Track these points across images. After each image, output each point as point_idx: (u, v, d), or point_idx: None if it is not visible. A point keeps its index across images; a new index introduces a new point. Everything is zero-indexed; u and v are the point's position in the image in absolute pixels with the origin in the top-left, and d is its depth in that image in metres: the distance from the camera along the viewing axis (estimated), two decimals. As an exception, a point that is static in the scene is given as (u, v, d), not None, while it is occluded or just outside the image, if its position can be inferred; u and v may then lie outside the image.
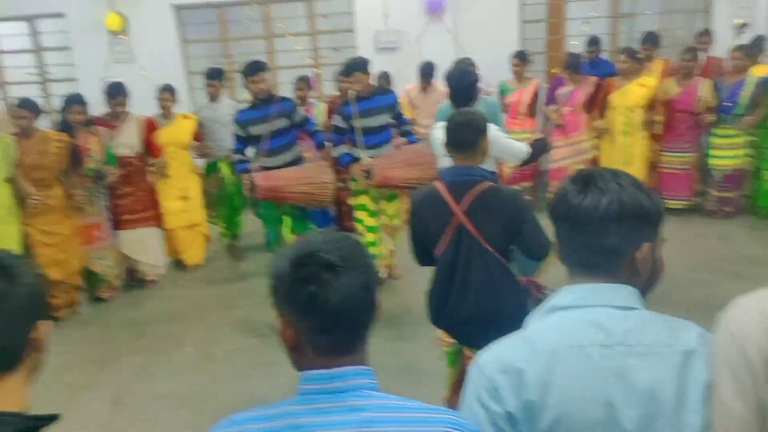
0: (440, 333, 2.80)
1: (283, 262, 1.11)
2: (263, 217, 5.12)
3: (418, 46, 6.99)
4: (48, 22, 7.67)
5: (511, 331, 2.51)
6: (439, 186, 2.56)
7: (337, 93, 6.14)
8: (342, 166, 4.76)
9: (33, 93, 7.18)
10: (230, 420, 1.14)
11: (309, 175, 4.60)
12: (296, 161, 4.80)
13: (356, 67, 4.58)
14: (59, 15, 7.33)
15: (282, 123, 4.63)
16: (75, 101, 4.81)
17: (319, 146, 4.91)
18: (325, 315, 1.08)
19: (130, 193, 5.16)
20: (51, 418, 1.07)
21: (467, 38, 6.91)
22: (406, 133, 4.92)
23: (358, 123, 4.59)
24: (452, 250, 2.53)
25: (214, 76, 5.81)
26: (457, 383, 2.80)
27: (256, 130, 4.61)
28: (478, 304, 2.54)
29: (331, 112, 6.07)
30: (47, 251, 4.55)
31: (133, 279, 5.36)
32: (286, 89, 6.50)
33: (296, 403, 1.12)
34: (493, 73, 6.37)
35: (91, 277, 5.04)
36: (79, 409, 3.66)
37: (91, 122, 4.92)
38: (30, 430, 1.05)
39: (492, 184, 2.54)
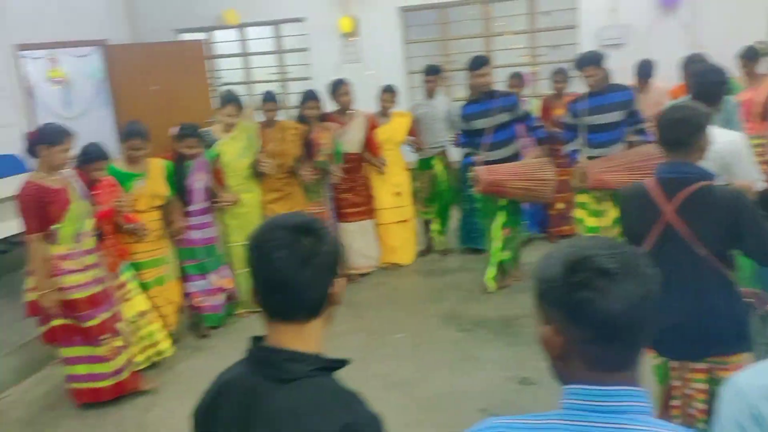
0: None
1: (554, 265, 1.05)
2: (480, 210, 5.18)
3: (646, 42, 6.56)
4: (290, 26, 8.49)
5: (721, 346, 2.35)
6: (649, 182, 2.41)
7: (552, 92, 6.03)
8: (571, 163, 4.74)
9: (274, 90, 8.01)
10: (491, 424, 1.12)
11: (530, 170, 4.65)
12: (516, 156, 4.88)
13: (589, 60, 4.47)
14: (300, 19, 8.08)
15: (504, 117, 4.73)
16: (310, 97, 5.21)
17: (539, 142, 4.93)
18: (602, 324, 1.00)
19: (352, 187, 5.49)
20: (343, 362, 1.26)
21: (704, 33, 6.33)
22: (640, 132, 4.70)
23: (587, 120, 4.52)
24: (656, 251, 2.34)
25: (433, 72, 5.91)
26: (665, 402, 2.61)
27: (479, 123, 4.75)
28: (683, 313, 2.34)
29: (545, 109, 5.98)
30: None
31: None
32: (500, 87, 6.51)
33: (561, 418, 1.05)
34: (733, 71, 5.75)
35: None
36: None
37: (325, 118, 5.31)
38: (326, 369, 1.24)
39: (708, 183, 2.32)
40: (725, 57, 5.50)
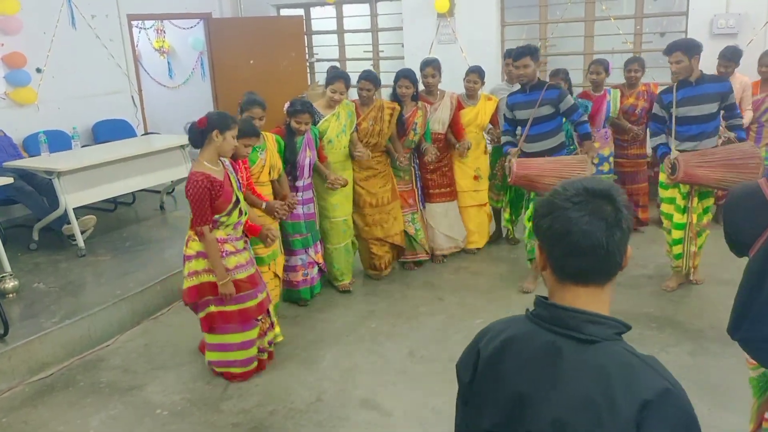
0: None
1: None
2: (510, 200, 5.46)
3: (763, 33, 6.15)
4: (385, 5, 8.51)
5: None
6: (763, 184, 2.25)
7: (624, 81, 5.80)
8: (657, 157, 4.60)
9: (364, 69, 8.07)
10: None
11: (564, 167, 4.48)
12: (557, 149, 4.71)
13: (677, 47, 4.33)
14: (397, -2, 8.09)
15: (547, 110, 4.59)
16: (404, 75, 5.15)
17: (584, 137, 4.73)
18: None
19: (438, 167, 5.46)
20: (629, 327, 1.31)
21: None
22: (734, 128, 4.54)
23: (676, 111, 4.39)
24: (763, 257, 2.21)
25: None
26: (759, 417, 2.47)
27: (521, 114, 4.66)
28: None
29: (622, 98, 5.80)
30: (372, 211, 5.11)
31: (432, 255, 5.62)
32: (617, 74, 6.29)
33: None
34: None
35: (408, 240, 5.40)
36: (383, 353, 4.11)
37: (417, 97, 5.26)
38: (620, 333, 1.30)
39: None
40: None
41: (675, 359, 3.82)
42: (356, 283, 5.24)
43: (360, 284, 5.26)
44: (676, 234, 4.62)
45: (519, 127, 4.76)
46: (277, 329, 4.17)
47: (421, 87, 5.37)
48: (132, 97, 7.73)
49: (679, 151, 4.39)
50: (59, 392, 3.88)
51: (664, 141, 4.52)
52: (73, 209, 5.50)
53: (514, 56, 4.60)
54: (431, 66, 5.31)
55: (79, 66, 7.06)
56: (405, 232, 5.33)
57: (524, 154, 4.66)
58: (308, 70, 8.92)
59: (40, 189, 5.67)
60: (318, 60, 9.25)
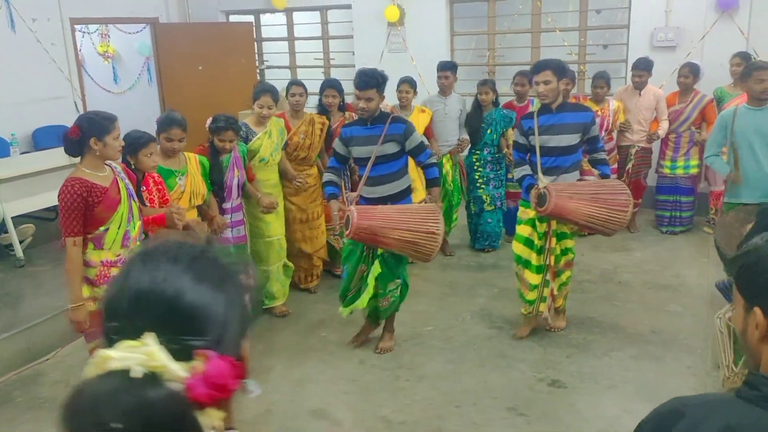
0: None
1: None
2: (343, 252, 4.32)
3: (700, 46, 6.41)
4: (336, 13, 8.51)
5: None
6: None
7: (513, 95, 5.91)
8: (523, 189, 4.11)
9: (317, 77, 8.05)
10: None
11: (414, 219, 3.77)
12: (403, 196, 4.03)
13: (544, 66, 3.85)
14: (347, 6, 8.09)
15: (391, 148, 3.90)
16: (330, 85, 5.00)
17: (432, 183, 4.11)
18: None
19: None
20: None
21: (763, 39, 6.16)
22: (597, 163, 4.16)
23: (536, 140, 3.94)
24: None
25: (448, 67, 5.66)
26: None
27: (360, 151, 3.95)
28: None
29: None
30: (302, 227, 4.97)
31: None
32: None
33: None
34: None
35: (331, 253, 5.30)
36: (334, 363, 4.09)
37: (344, 108, 5.14)
38: None
39: None
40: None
41: (618, 363, 3.93)
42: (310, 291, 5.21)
43: (310, 293, 5.22)
44: (533, 278, 4.09)
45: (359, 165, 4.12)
46: None
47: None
48: (75, 102, 7.49)
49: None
50: (-5, 410, 3.72)
51: (530, 171, 4.01)
52: (12, 218, 5.31)
53: (357, 85, 3.83)
54: (407, 83, 5.31)
55: (18, 70, 6.81)
56: (333, 246, 5.27)
57: (364, 200, 3.98)
58: (259, 77, 8.84)
59: (-25, 197, 5.43)
60: (268, 67, 9.18)
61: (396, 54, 7.79)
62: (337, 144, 4.06)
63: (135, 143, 3.44)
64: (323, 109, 5.06)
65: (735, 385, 2.74)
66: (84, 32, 9.30)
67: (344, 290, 4.15)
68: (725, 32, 6.34)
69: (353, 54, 8.24)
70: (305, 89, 4.91)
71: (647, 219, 6.45)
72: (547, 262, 4.06)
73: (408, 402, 3.65)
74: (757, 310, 1.07)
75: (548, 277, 4.10)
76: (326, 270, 5.41)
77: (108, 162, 3.15)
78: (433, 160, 4.09)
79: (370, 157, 3.87)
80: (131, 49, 9.25)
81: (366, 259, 4.02)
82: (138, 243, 3.25)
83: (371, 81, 3.78)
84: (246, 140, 4.50)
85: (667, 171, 6.09)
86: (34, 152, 6.69)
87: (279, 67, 9.03)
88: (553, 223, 3.98)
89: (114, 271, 3.16)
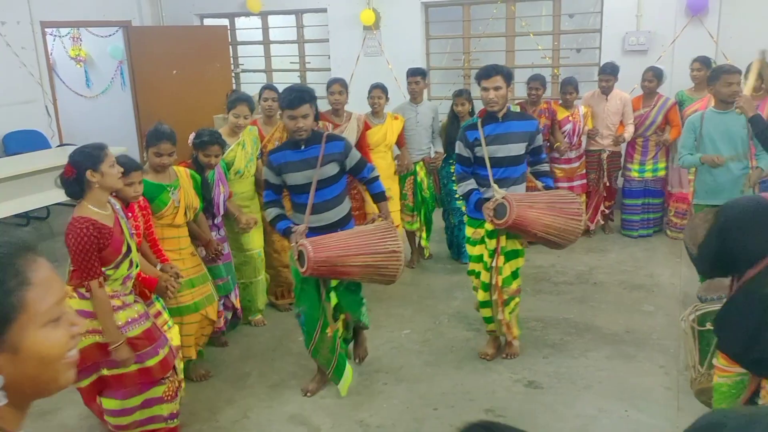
0: (721, 361, 2.46)
1: None
2: (296, 292, 3.73)
3: (671, 50, 6.52)
4: (312, 16, 8.50)
5: None
6: None
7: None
8: (469, 206, 3.84)
9: (293, 80, 8.04)
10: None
11: (372, 241, 3.38)
12: (347, 220, 3.66)
13: (498, 70, 3.63)
14: (323, 10, 8.08)
15: (331, 169, 3.49)
16: (298, 89, 4.89)
17: (379, 198, 3.71)
18: None
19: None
20: None
21: (732, 43, 6.28)
22: (540, 175, 3.91)
23: (484, 151, 3.69)
24: None
25: (418, 73, 5.58)
26: None
27: (295, 177, 3.47)
28: None
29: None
30: (281, 238, 4.68)
31: None
32: (521, 88, 6.51)
33: None
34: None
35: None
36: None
37: (317, 117, 5.00)
38: None
39: None
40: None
41: (594, 363, 3.97)
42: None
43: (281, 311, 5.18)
44: (482, 296, 3.92)
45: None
46: (182, 392, 3.47)
47: (329, 106, 5.15)
48: (46, 107, 7.39)
49: (486, 199, 3.68)
50: (-37, 421, 3.63)
51: (476, 186, 3.77)
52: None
53: (289, 104, 3.38)
54: (338, 83, 5.06)
55: (-13, 74, 6.70)
56: None
57: (310, 231, 3.45)
58: (234, 81, 8.79)
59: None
60: (244, 71, 9.14)
61: (372, 57, 7.81)
62: (267, 173, 3.53)
63: (89, 157, 3.20)
64: None
65: (703, 386, 2.77)
66: (55, 36, 9.17)
67: (309, 341, 3.65)
68: (695, 36, 6.45)
69: (329, 58, 8.23)
70: (279, 94, 4.75)
71: (617, 223, 6.53)
72: (494, 282, 3.82)
73: (386, 405, 3.65)
74: None
75: (495, 296, 3.84)
76: None
77: (109, 199, 3.04)
78: (376, 173, 3.72)
79: (309, 183, 3.42)
80: (104, 52, 9.14)
81: (325, 298, 3.61)
82: (131, 281, 3.14)
83: (304, 95, 3.37)
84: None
85: (635, 174, 6.14)
86: (5, 157, 6.59)
87: (254, 71, 8.99)
88: (503, 240, 3.75)
89: (113, 302, 3.05)
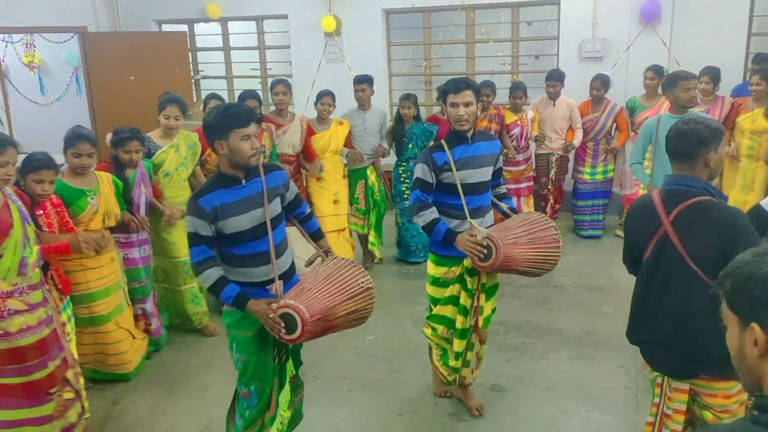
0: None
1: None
2: (245, 367, 2.87)
3: (626, 56, 6.68)
4: (272, 23, 8.45)
5: (707, 369, 2.32)
6: (655, 194, 2.46)
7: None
8: (436, 240, 3.21)
9: (254, 87, 7.96)
10: None
11: (348, 281, 2.73)
12: (293, 269, 2.98)
13: (468, 84, 3.17)
14: (283, 16, 8.05)
15: (277, 205, 2.83)
16: (250, 96, 4.81)
17: (317, 234, 3.14)
18: None
19: None
20: None
21: (684, 50, 6.48)
22: (503, 197, 3.50)
23: (458, 177, 3.17)
24: (653, 261, 2.41)
25: (364, 80, 5.62)
26: (659, 418, 2.55)
27: (240, 222, 2.67)
28: (669, 326, 2.36)
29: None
30: None
31: None
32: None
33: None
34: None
35: None
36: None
37: (260, 119, 4.91)
38: None
39: (710, 198, 2.31)
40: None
41: (555, 365, 4.02)
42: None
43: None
44: (458, 345, 3.36)
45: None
46: (86, 402, 3.28)
47: (274, 107, 5.19)
48: (-3, 114, 7.18)
49: (459, 231, 3.16)
50: None
51: (438, 215, 3.18)
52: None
53: (242, 121, 2.58)
54: (282, 84, 5.09)
55: (-66, 81, 6.47)
56: None
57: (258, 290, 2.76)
58: (194, 87, 8.68)
59: None
60: (204, 77, 9.03)
61: (333, 64, 7.80)
62: (195, 224, 2.61)
63: (25, 166, 3.16)
64: None
65: None
66: (7, 42, 8.92)
67: (251, 425, 2.96)
68: (649, 43, 6.63)
69: (290, 64, 8.20)
70: (223, 101, 4.71)
71: (566, 225, 6.67)
72: (473, 322, 3.35)
73: (351, 411, 3.63)
74: (755, 326, 1.07)
75: (474, 339, 3.41)
76: None
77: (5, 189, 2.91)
78: (310, 209, 3.20)
79: (258, 226, 2.70)
80: (59, 58, 8.92)
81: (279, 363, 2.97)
82: (37, 270, 2.98)
83: (251, 115, 2.67)
84: (149, 155, 4.25)
85: (587, 177, 6.40)
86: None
87: (214, 77, 8.89)
88: (484, 276, 3.30)
89: (11, 303, 2.84)
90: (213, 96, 4.75)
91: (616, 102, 6.24)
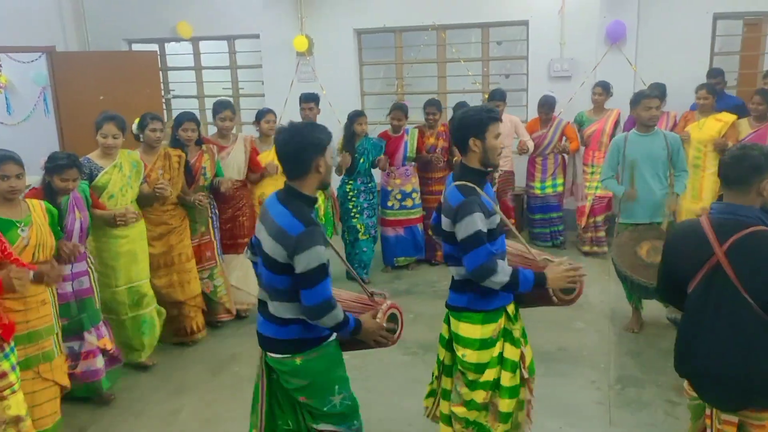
0: (686, 383, 2.53)
1: None
2: (354, 403, 2.91)
3: (593, 76, 6.81)
4: (244, 42, 8.45)
5: (757, 401, 2.27)
6: (704, 221, 2.36)
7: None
8: (526, 288, 2.68)
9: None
10: None
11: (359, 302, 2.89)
12: None
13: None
14: (255, 36, 8.06)
15: None
16: (188, 118, 4.69)
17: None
18: None
19: (235, 217, 5.09)
20: None
21: (649, 69, 6.63)
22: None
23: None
24: (703, 291, 2.33)
25: (311, 99, 5.63)
26: None
27: None
28: (721, 358, 2.30)
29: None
30: (168, 271, 4.58)
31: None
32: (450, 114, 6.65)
33: None
34: (678, 108, 6.10)
35: (207, 301, 4.91)
36: (247, 399, 3.96)
37: (201, 141, 4.81)
38: None
39: (766, 229, 2.24)
40: (669, 95, 5.89)
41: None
42: (218, 325, 5.04)
43: (220, 327, 5.05)
44: (506, 406, 2.93)
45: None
46: None
47: (216, 129, 5.12)
48: (-39, 135, 7.03)
49: None
50: None
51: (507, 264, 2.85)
52: None
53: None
54: (229, 109, 5.02)
55: None
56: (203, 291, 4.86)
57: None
58: (165, 107, 8.62)
59: None
60: (175, 96, 8.97)
61: (306, 84, 7.80)
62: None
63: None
64: (179, 143, 4.67)
65: None
66: (-28, 61, 8.75)
67: None
68: (615, 63, 6.77)
69: (262, 83, 8.19)
70: (162, 123, 4.55)
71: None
72: (524, 374, 2.99)
73: (323, 434, 3.57)
74: None
75: (523, 395, 3.02)
76: (207, 321, 4.96)
77: None
78: None
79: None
80: (26, 78, 8.78)
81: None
82: None
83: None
84: (91, 177, 4.02)
85: (537, 191, 6.64)
86: None
87: (186, 97, 8.84)
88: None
89: None
90: (152, 117, 4.49)
91: (562, 118, 6.51)
